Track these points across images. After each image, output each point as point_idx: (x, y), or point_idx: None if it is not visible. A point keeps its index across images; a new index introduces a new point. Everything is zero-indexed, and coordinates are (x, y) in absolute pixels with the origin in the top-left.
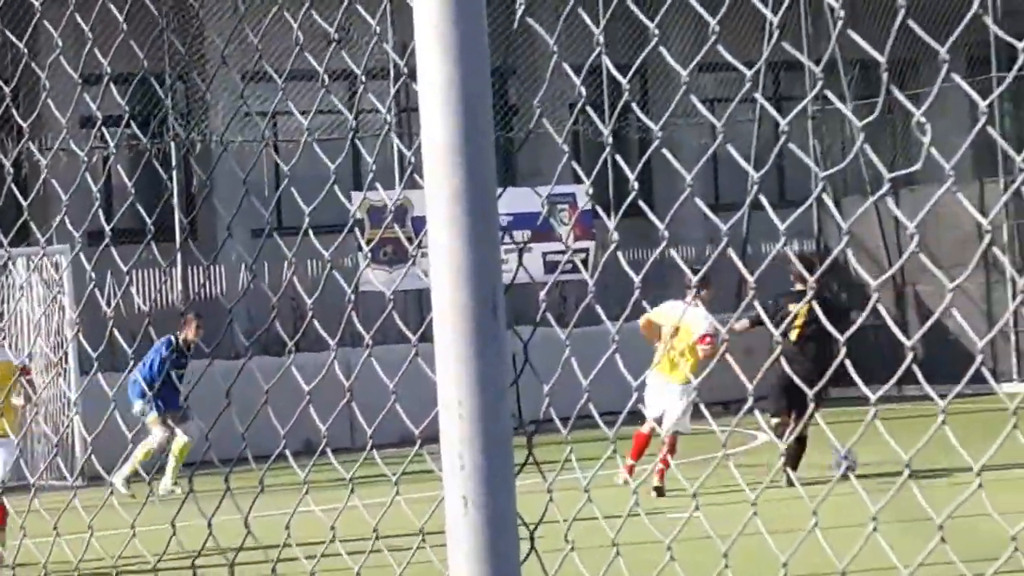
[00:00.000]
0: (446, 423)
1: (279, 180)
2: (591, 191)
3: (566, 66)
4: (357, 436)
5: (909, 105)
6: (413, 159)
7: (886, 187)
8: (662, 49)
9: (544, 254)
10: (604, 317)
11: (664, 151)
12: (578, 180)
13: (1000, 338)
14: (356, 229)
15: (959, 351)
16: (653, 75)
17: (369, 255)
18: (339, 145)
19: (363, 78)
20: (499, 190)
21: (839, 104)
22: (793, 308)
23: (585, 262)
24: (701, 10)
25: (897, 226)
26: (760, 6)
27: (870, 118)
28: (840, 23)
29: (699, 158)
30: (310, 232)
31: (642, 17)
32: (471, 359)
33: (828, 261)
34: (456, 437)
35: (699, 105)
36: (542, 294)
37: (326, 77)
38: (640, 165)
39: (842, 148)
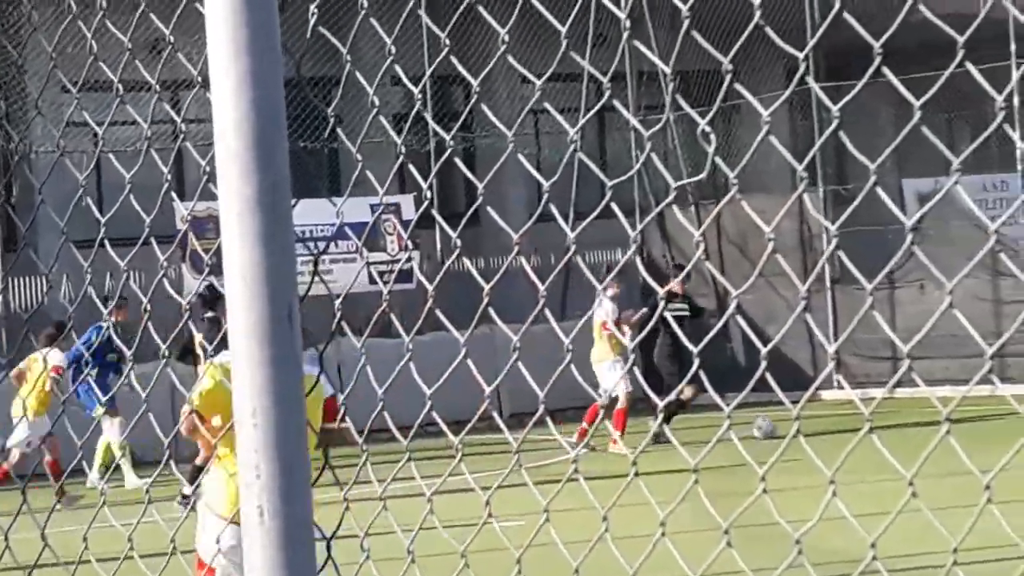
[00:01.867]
0: (242, 433)
1: (101, 191)
2: (428, 196)
3: (398, 70)
4: (183, 447)
5: (694, 115)
6: (208, 168)
7: (672, 195)
8: (509, 57)
9: (369, 264)
10: (402, 329)
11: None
12: (402, 190)
13: (821, 348)
14: (182, 239)
15: (783, 360)
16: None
17: (208, 264)
18: (164, 156)
19: (198, 79)
20: (297, 199)
21: (625, 113)
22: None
23: (411, 271)
24: (547, 13)
25: (719, 235)
26: (555, 21)
27: (655, 128)
28: (626, 33)
29: (523, 168)
30: (152, 241)
31: (494, 22)
32: (266, 368)
33: (687, 269)
34: (252, 447)
35: (558, 117)
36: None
37: (157, 86)
38: (496, 175)
39: (665, 159)
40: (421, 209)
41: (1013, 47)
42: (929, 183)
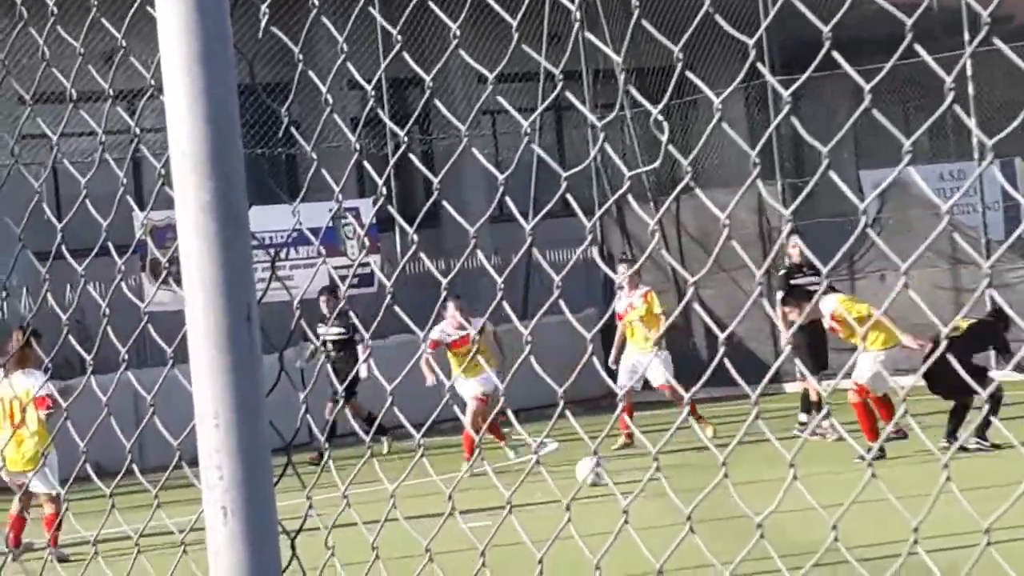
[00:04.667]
0: (203, 434)
1: (60, 202)
2: (383, 192)
3: (353, 71)
4: (148, 456)
5: (648, 104)
6: (164, 174)
7: (626, 186)
8: (462, 52)
9: (332, 268)
10: (363, 331)
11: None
12: (362, 194)
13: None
14: (141, 248)
15: (747, 355)
16: (434, 87)
17: (164, 270)
18: (122, 165)
19: (151, 84)
20: (254, 204)
21: (577, 103)
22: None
23: (372, 275)
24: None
25: (678, 229)
26: (505, 14)
27: (608, 119)
28: (577, 25)
29: (483, 168)
30: (111, 248)
31: (448, 23)
32: (226, 370)
33: (642, 260)
34: (213, 448)
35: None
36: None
37: (111, 93)
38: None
39: (623, 156)
40: (376, 208)
41: (967, 36)
42: (886, 173)
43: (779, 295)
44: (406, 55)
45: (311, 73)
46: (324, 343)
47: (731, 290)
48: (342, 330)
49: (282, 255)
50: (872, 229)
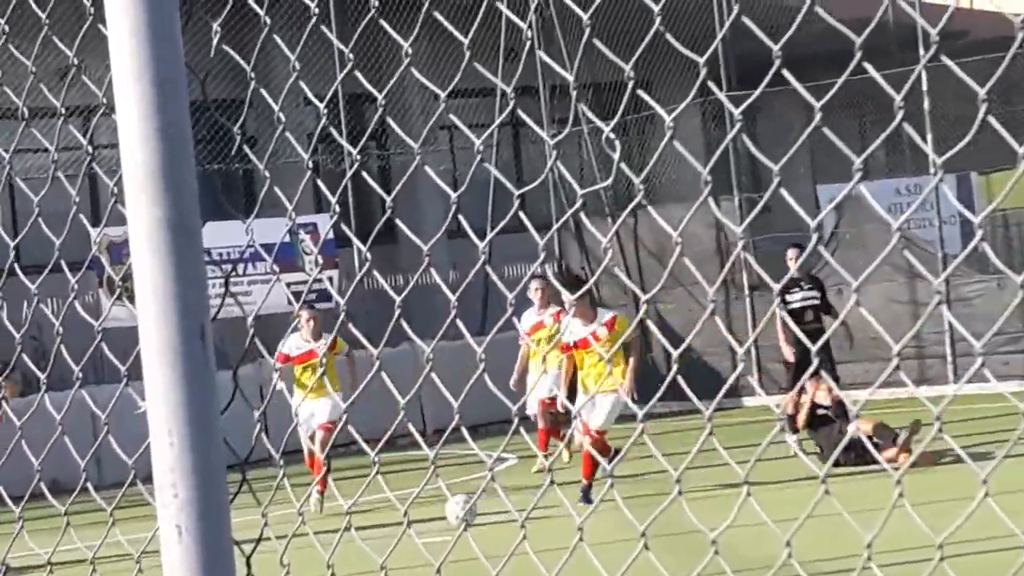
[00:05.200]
0: (157, 452)
1: (16, 218)
2: (337, 210)
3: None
4: (105, 473)
5: (599, 122)
6: (116, 189)
7: (579, 204)
8: (414, 70)
9: (288, 284)
10: (318, 347)
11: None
12: (319, 210)
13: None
14: (97, 265)
15: (703, 367)
16: (389, 102)
17: (117, 289)
18: (75, 181)
19: (104, 102)
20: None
21: (531, 124)
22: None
23: (328, 290)
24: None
25: (636, 245)
26: (457, 34)
27: (560, 135)
28: (528, 43)
29: (440, 185)
30: (63, 266)
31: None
32: (180, 387)
33: (596, 276)
34: (168, 466)
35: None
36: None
37: (63, 111)
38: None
39: (580, 171)
40: (330, 226)
41: (921, 51)
42: (843, 188)
43: (777, 309)
44: (358, 74)
45: (263, 91)
46: None
47: (687, 304)
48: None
49: (239, 270)
50: (829, 244)
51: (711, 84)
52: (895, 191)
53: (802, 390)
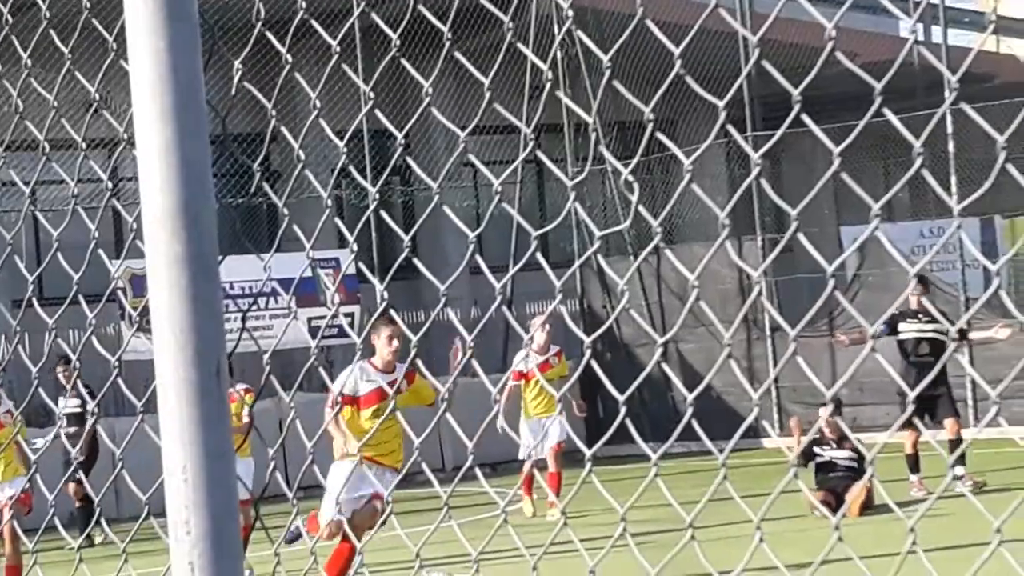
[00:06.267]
0: (172, 489)
1: (39, 250)
2: (355, 249)
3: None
4: (123, 506)
5: (618, 165)
6: (135, 225)
7: (596, 245)
8: (434, 110)
9: (309, 319)
10: (330, 382)
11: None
12: (342, 245)
13: (765, 397)
14: (119, 297)
15: (723, 407)
16: (414, 138)
17: (134, 323)
18: (95, 216)
19: (124, 136)
20: (268, 254)
21: (551, 165)
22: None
23: (352, 325)
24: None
25: (659, 284)
26: (477, 74)
27: (580, 177)
28: (548, 84)
29: (462, 219)
30: (80, 299)
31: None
32: (195, 424)
33: (613, 317)
34: (182, 503)
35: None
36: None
37: (84, 144)
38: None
39: (603, 210)
40: (349, 261)
41: (947, 94)
42: (866, 230)
43: (883, 330)
44: (378, 112)
45: (283, 129)
46: (60, 417)
47: (709, 344)
48: (77, 402)
49: (260, 304)
50: (852, 285)
51: (730, 128)
52: (919, 234)
53: (913, 426)
